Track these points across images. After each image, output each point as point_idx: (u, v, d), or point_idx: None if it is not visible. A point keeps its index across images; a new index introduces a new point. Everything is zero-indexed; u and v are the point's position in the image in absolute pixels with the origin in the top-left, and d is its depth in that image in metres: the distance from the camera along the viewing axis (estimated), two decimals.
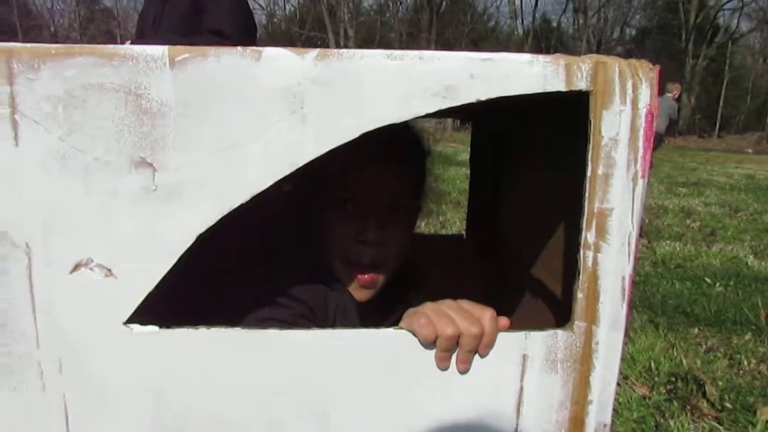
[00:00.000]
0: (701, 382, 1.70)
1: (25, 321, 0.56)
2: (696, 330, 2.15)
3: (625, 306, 0.55)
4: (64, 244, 0.55)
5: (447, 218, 3.90)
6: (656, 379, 1.74)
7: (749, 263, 3.18)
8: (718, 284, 2.71)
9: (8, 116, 0.52)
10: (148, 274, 0.55)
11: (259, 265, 0.76)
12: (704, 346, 2.00)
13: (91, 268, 0.55)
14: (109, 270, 0.55)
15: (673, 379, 1.74)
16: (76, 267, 0.55)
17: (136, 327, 0.57)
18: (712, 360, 1.89)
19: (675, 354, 1.90)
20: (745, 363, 1.86)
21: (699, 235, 3.95)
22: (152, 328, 0.57)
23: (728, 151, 15.54)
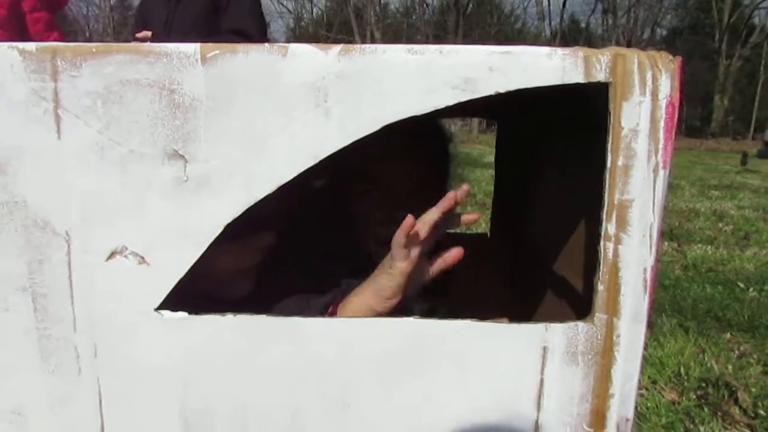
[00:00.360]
0: (733, 389, 1.66)
1: (63, 306, 0.59)
2: (728, 335, 2.09)
3: (647, 298, 0.55)
4: (101, 232, 0.58)
5: None
6: (686, 384, 1.71)
7: None
8: (751, 289, 2.64)
9: (52, 111, 0.55)
10: (178, 262, 0.58)
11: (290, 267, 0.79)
12: (736, 352, 1.95)
13: (125, 256, 0.58)
14: (143, 258, 0.58)
15: (704, 384, 1.70)
16: (112, 254, 0.58)
17: (166, 313, 0.59)
18: (745, 366, 1.84)
19: (705, 359, 1.86)
20: None
21: (732, 238, 3.85)
22: (182, 315, 0.59)
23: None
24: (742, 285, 2.69)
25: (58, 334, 0.60)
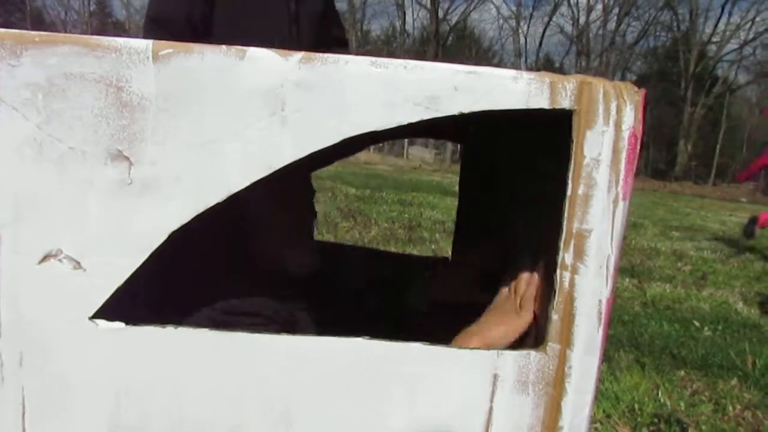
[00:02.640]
0: (685, 426, 1.67)
1: None
2: (682, 372, 2.12)
3: (601, 330, 0.54)
4: (35, 233, 0.54)
5: (440, 246, 3.89)
6: (639, 419, 1.71)
7: (738, 309, 3.16)
8: (706, 328, 2.69)
9: None
10: (117, 269, 0.54)
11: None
12: (689, 389, 1.98)
13: (59, 260, 0.54)
14: (78, 262, 0.54)
15: (656, 420, 1.71)
16: (45, 257, 0.54)
17: (102, 322, 0.55)
18: (697, 403, 1.86)
19: (659, 395, 1.87)
20: (730, 408, 1.83)
21: (690, 278, 3.94)
22: (118, 325, 0.55)
23: (723, 199, 15.68)
24: (697, 324, 2.74)
25: None
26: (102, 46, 0.51)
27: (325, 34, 1.94)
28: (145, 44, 0.52)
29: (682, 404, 1.82)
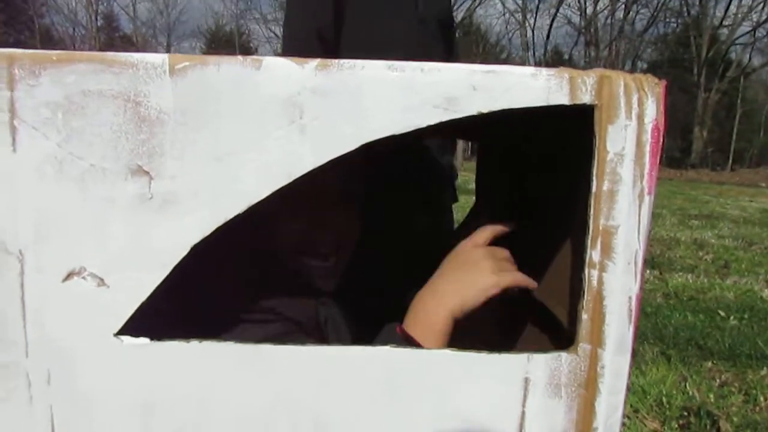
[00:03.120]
0: (715, 418, 1.64)
1: (15, 330, 0.55)
2: (709, 364, 2.08)
3: (631, 328, 0.53)
4: (57, 251, 0.54)
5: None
6: (668, 413, 1.69)
7: (764, 297, 3.11)
8: (732, 317, 2.65)
9: (7, 122, 0.52)
10: (140, 284, 0.54)
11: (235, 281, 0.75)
12: (718, 381, 1.94)
13: (83, 277, 0.54)
14: (102, 279, 0.54)
15: (686, 413, 1.68)
16: (69, 275, 0.54)
17: (126, 338, 0.55)
18: (727, 395, 1.82)
19: (687, 388, 1.84)
20: (761, 399, 1.80)
21: (712, 267, 3.88)
22: (143, 340, 0.55)
23: (742, 185, 15.41)
24: (722, 313, 2.70)
25: (8, 359, 0.55)
26: (119, 62, 0.51)
27: (453, 41, 1.84)
28: (162, 58, 0.52)
29: (711, 396, 1.79)
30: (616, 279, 0.52)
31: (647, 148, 0.50)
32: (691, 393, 1.80)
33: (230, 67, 0.51)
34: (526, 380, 0.54)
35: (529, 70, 0.50)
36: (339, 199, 0.76)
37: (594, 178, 0.51)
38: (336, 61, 0.51)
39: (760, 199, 10.38)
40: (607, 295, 0.52)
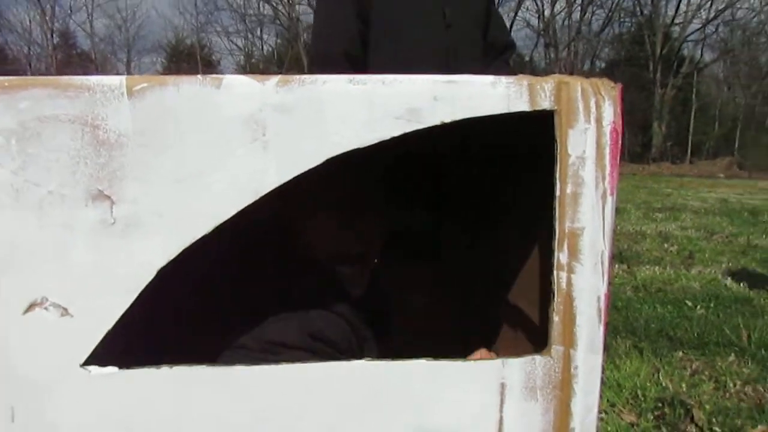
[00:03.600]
0: (688, 407, 1.68)
1: None
2: (680, 353, 2.14)
3: (601, 327, 0.54)
4: (17, 282, 0.52)
5: None
6: (643, 405, 1.72)
7: (728, 285, 3.21)
8: (699, 307, 2.72)
9: None
10: (105, 312, 0.53)
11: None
12: (689, 370, 1.99)
13: (45, 308, 0.53)
14: (65, 309, 0.53)
15: (660, 404, 1.72)
16: (30, 307, 0.53)
17: (94, 368, 0.53)
18: (698, 383, 1.87)
19: (661, 379, 1.89)
20: (731, 385, 1.85)
21: (677, 258, 3.99)
22: (111, 369, 0.54)
23: (701, 176, 15.93)
24: (689, 303, 2.77)
25: None
26: (74, 86, 0.50)
27: (492, 40, 1.76)
28: (119, 80, 0.51)
29: (683, 386, 1.84)
30: (585, 280, 0.53)
31: (607, 150, 0.51)
32: (664, 384, 1.84)
33: (190, 87, 0.51)
34: (503, 385, 0.55)
35: (489, 78, 0.51)
36: (365, 205, 0.77)
37: (557, 181, 0.52)
38: (297, 76, 0.51)
39: (719, 189, 10.75)
40: (576, 296, 0.53)
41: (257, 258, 0.75)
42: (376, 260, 0.83)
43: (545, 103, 0.51)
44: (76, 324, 0.53)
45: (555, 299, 0.53)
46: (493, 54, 1.76)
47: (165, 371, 0.54)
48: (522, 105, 0.51)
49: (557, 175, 0.52)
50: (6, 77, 0.50)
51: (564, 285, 0.53)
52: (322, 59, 1.66)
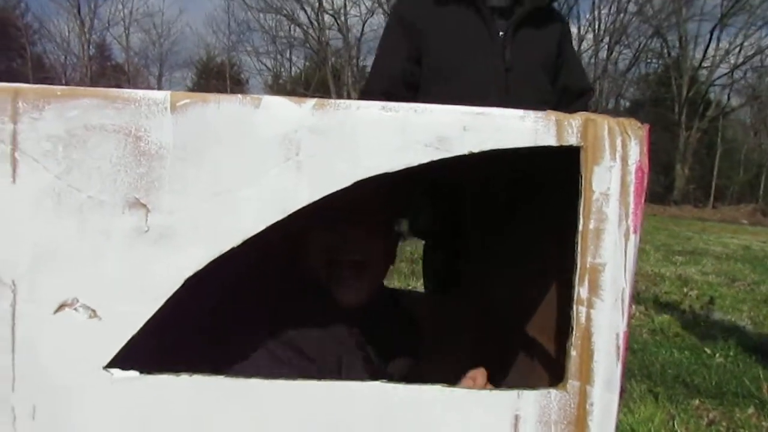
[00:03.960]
0: None
1: (2, 362, 0.54)
2: (696, 401, 2.08)
3: (619, 365, 0.54)
4: (51, 282, 0.54)
5: None
6: None
7: (748, 332, 3.13)
8: (717, 354, 2.66)
9: (8, 153, 0.52)
10: (132, 317, 0.54)
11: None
12: (706, 419, 1.94)
13: (75, 309, 0.54)
14: (94, 311, 0.54)
15: None
16: (61, 306, 0.54)
17: (116, 372, 0.55)
18: None
19: (676, 426, 1.84)
20: None
21: (697, 303, 3.91)
22: (133, 374, 0.55)
23: (723, 221, 15.68)
24: (708, 350, 2.71)
25: None
26: (122, 98, 0.53)
27: (566, 84, 1.73)
28: (163, 95, 0.53)
29: None
30: (604, 316, 0.53)
31: (631, 188, 0.52)
32: None
33: (230, 105, 0.53)
34: (516, 417, 0.55)
35: (518, 112, 0.53)
36: (367, 218, 0.78)
37: (581, 216, 0.53)
38: (333, 101, 0.53)
39: (742, 236, 10.56)
40: (595, 332, 0.53)
41: (262, 269, 0.77)
42: (378, 273, 0.84)
43: (572, 139, 0.52)
44: (103, 326, 0.54)
45: (573, 334, 0.53)
46: (569, 99, 1.73)
47: (184, 379, 0.55)
48: (549, 139, 0.52)
49: (581, 210, 0.53)
50: (58, 86, 0.53)
51: (583, 320, 0.53)
52: (364, 96, 1.68)
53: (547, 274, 0.72)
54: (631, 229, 0.53)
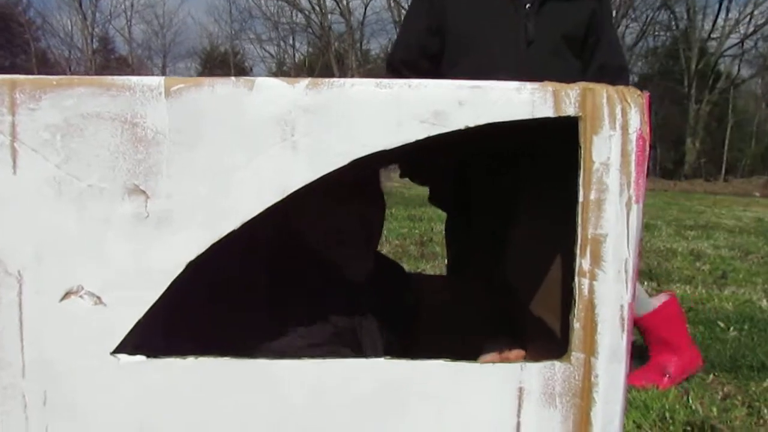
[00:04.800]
0: None
1: (12, 350, 0.55)
2: (711, 376, 2.07)
3: (624, 336, 0.53)
4: (56, 271, 0.55)
5: None
6: (671, 428, 1.67)
7: (763, 307, 3.10)
8: (731, 328, 2.64)
9: (8, 145, 0.53)
10: (137, 302, 0.55)
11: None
12: (720, 393, 1.93)
13: (81, 296, 0.55)
14: (99, 298, 0.55)
15: (689, 428, 1.66)
16: (66, 295, 0.55)
17: (123, 357, 0.56)
18: (730, 408, 1.81)
19: (690, 402, 1.83)
20: (765, 411, 1.78)
21: (710, 278, 3.88)
22: (139, 358, 0.56)
23: (735, 195, 15.49)
24: (722, 324, 2.69)
25: (5, 381, 0.56)
26: (116, 85, 0.53)
27: (602, 62, 1.69)
28: (158, 81, 0.53)
29: (714, 410, 1.78)
30: (607, 287, 0.53)
31: (633, 157, 0.51)
32: (694, 407, 1.78)
33: (224, 87, 0.53)
34: (521, 390, 0.55)
35: (514, 84, 0.52)
36: (367, 192, 0.79)
37: (581, 187, 0.52)
38: (326, 79, 0.52)
39: (754, 208, 10.43)
40: (598, 303, 0.53)
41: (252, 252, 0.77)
42: (377, 242, 0.85)
43: (570, 110, 0.51)
44: (109, 313, 0.55)
45: (576, 306, 0.53)
46: (609, 77, 1.63)
47: (191, 362, 0.56)
48: (546, 111, 0.52)
49: (581, 181, 0.52)
50: (54, 76, 0.53)
51: (586, 292, 0.53)
52: (388, 67, 1.73)
53: (551, 249, 0.71)
54: (633, 198, 0.52)
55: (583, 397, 0.54)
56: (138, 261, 0.54)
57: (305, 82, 0.52)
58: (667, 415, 1.73)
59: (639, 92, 0.52)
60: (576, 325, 0.53)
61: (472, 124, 0.51)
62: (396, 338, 0.85)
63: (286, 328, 0.72)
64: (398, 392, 0.55)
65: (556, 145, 0.62)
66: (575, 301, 0.53)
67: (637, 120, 0.51)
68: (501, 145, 0.80)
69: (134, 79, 0.53)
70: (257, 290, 0.75)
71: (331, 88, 0.52)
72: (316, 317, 0.75)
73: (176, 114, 0.53)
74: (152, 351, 0.56)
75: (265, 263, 0.78)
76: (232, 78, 0.53)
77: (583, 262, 0.53)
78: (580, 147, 0.52)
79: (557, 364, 0.54)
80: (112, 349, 0.55)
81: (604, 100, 0.51)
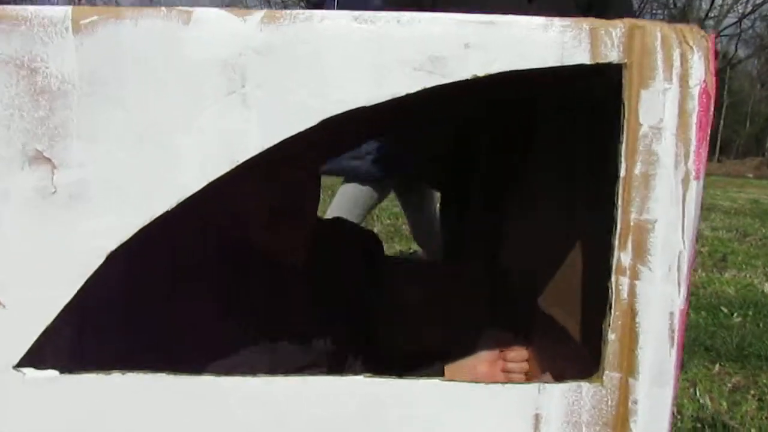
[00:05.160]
0: (731, 430, 1.54)
1: None
2: (717, 366, 1.98)
3: (674, 353, 0.41)
4: None
5: None
6: (679, 425, 1.58)
7: (765, 291, 3.02)
8: (735, 314, 2.55)
9: None
10: (45, 304, 0.42)
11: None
12: (729, 385, 1.84)
13: None
14: None
15: (699, 425, 1.57)
16: None
17: (29, 371, 0.43)
18: (740, 401, 1.72)
19: (697, 394, 1.74)
20: None
21: (709, 261, 3.80)
22: (51, 374, 0.44)
23: (729, 176, 15.43)
24: (725, 310, 2.60)
25: None
26: (8, 17, 0.40)
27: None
28: (63, 11, 0.40)
29: (723, 403, 1.69)
30: (654, 289, 0.40)
31: (693, 119, 0.39)
32: (702, 401, 1.69)
33: (151, 21, 0.40)
34: (537, 417, 0.43)
35: (539, 20, 0.39)
36: (308, 157, 0.68)
37: (622, 158, 0.40)
38: (287, 12, 0.39)
39: (748, 189, 10.36)
40: (641, 309, 0.41)
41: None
42: (314, 218, 0.73)
43: (612, 54, 0.39)
44: (9, 317, 0.43)
45: (612, 312, 0.41)
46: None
47: (115, 377, 0.43)
48: (580, 55, 0.39)
49: (623, 150, 0.39)
50: None
51: (625, 294, 0.41)
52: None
53: (575, 235, 0.59)
54: (692, 174, 0.40)
55: (617, 427, 0.42)
56: (44, 250, 0.42)
57: (260, 14, 0.39)
58: (675, 409, 1.64)
59: (703, 32, 0.39)
60: (611, 336, 0.41)
61: (481, 74, 0.39)
62: (353, 334, 0.74)
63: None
64: (381, 416, 0.44)
65: (587, 99, 0.49)
66: (611, 305, 0.41)
67: (700, 69, 0.39)
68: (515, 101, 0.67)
69: (31, 9, 0.40)
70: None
71: (293, 22, 0.39)
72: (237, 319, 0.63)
73: (88, 56, 0.40)
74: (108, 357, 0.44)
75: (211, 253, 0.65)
76: (163, 8, 0.39)
77: (622, 256, 0.40)
78: (623, 104, 0.39)
79: (585, 385, 0.42)
80: (15, 362, 0.43)
81: (658, 42, 0.39)
